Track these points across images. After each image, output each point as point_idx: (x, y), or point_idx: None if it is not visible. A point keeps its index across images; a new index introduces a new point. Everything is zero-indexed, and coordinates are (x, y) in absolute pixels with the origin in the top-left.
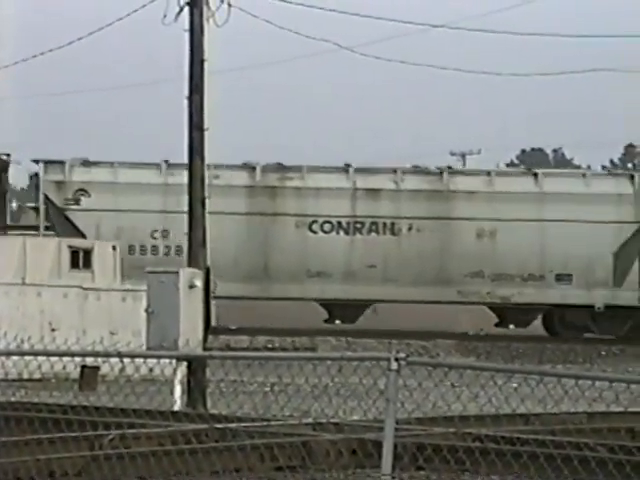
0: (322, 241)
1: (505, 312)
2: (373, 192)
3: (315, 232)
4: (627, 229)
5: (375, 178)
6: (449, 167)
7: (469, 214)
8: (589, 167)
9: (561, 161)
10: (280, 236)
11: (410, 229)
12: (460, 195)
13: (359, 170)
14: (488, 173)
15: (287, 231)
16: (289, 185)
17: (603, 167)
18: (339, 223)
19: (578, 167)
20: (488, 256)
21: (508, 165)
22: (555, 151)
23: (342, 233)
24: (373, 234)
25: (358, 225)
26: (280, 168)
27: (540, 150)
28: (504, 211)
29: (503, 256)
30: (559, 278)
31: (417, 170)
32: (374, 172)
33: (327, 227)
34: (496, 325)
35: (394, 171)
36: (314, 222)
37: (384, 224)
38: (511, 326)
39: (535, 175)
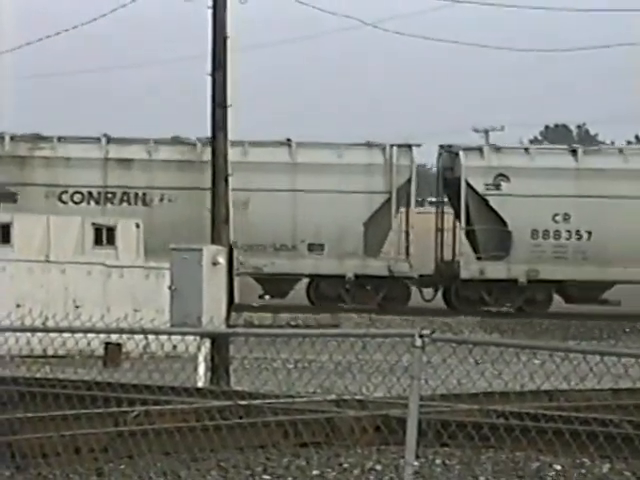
0: (72, 212)
1: (262, 282)
2: (125, 162)
3: (65, 202)
4: (378, 199)
5: (128, 148)
6: (208, 138)
7: None
8: (613, 143)
9: (585, 137)
10: (29, 207)
11: (162, 200)
12: None
13: (113, 140)
14: (242, 144)
15: (36, 202)
16: (38, 155)
17: (628, 142)
18: (90, 193)
19: (602, 143)
20: (241, 226)
21: (532, 142)
22: (579, 127)
23: (93, 203)
24: (124, 204)
25: (109, 195)
26: (32, 138)
27: (564, 126)
28: (257, 181)
29: (256, 226)
30: (311, 248)
31: (172, 141)
32: (128, 142)
33: (77, 197)
34: (260, 297)
35: (148, 141)
36: (64, 192)
37: (136, 194)
38: (267, 297)
39: (289, 146)
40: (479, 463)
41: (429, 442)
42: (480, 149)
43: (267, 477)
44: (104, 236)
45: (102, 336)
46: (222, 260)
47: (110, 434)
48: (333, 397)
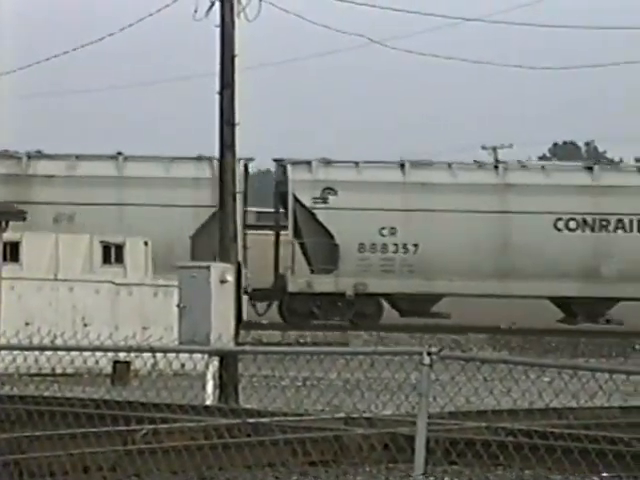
0: None
1: None
2: None
3: None
4: (204, 213)
5: None
6: (38, 151)
7: (47, 198)
8: (621, 160)
9: (594, 154)
10: None
11: None
12: (38, 179)
13: None
14: (69, 157)
15: None
16: None
17: (637, 160)
18: None
19: (611, 161)
20: None
21: (540, 158)
22: (587, 144)
23: None
24: None
25: None
26: None
27: (572, 143)
28: (84, 195)
29: None
30: None
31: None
32: None
33: None
34: None
35: None
36: None
37: None
38: None
39: (117, 159)
40: None
41: (437, 460)
42: (308, 163)
43: None
44: (112, 254)
45: (110, 354)
46: (230, 278)
47: (118, 453)
48: (341, 415)
